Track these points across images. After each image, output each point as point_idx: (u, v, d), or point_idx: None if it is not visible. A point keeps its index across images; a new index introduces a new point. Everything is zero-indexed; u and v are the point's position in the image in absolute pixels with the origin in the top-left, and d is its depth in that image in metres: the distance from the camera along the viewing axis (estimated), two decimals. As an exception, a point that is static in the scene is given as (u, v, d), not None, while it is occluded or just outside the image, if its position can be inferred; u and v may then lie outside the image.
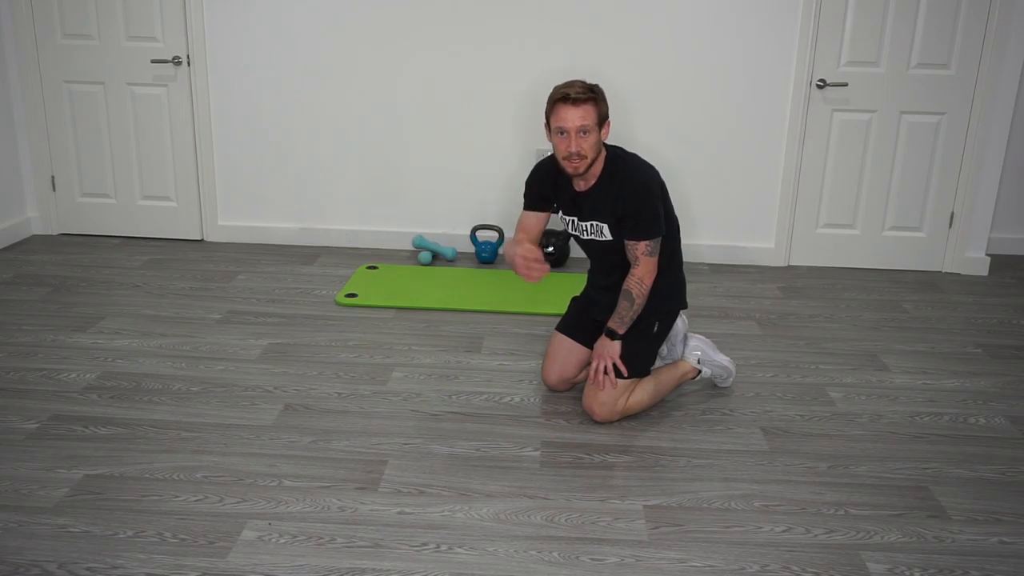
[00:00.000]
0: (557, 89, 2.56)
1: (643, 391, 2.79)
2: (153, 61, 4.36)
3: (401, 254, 4.53)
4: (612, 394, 2.72)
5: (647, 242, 2.61)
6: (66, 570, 2.00)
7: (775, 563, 2.11)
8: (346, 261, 4.39)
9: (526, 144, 4.42)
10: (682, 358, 2.96)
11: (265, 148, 4.50)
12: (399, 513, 2.26)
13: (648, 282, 2.64)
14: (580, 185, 2.69)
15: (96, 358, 3.15)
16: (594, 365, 2.71)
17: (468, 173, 4.48)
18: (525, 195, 2.82)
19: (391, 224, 4.60)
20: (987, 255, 4.54)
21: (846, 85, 4.22)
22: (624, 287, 2.67)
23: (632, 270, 2.65)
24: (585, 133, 2.53)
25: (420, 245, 4.47)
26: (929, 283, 4.30)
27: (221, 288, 3.92)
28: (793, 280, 4.29)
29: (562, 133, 2.54)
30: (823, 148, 4.34)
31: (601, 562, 2.10)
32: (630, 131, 4.36)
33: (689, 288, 4.11)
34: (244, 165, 4.53)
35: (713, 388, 3.05)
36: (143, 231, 4.66)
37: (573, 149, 2.53)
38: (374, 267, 4.27)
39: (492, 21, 4.26)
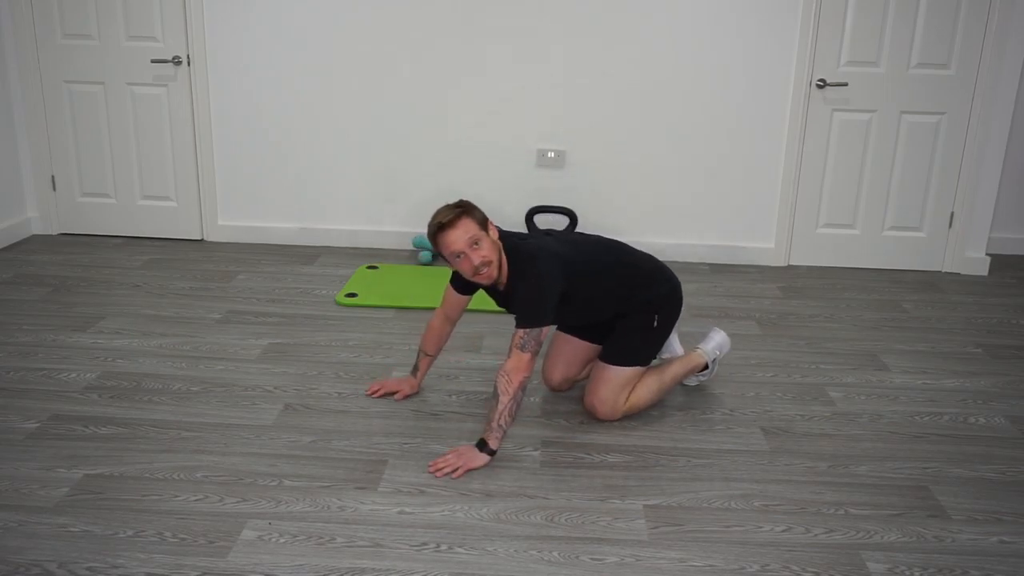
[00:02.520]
0: (431, 224, 2.53)
1: (647, 389, 2.79)
2: (153, 61, 4.36)
3: (401, 254, 4.53)
4: (613, 390, 2.72)
5: (522, 332, 2.46)
6: (66, 570, 2.00)
7: (775, 563, 2.11)
8: (346, 261, 4.39)
9: (526, 144, 4.42)
10: (698, 350, 2.95)
11: (265, 148, 4.50)
12: (399, 513, 2.26)
13: (516, 379, 2.44)
14: (500, 286, 2.65)
15: (96, 358, 3.15)
16: (445, 458, 2.49)
17: (468, 173, 4.48)
18: (452, 276, 2.76)
19: (391, 224, 4.60)
20: (987, 255, 4.54)
21: (846, 85, 4.22)
22: (495, 381, 2.49)
23: (505, 362, 2.48)
24: (477, 243, 2.50)
25: (420, 245, 4.47)
26: (929, 283, 4.30)
27: (221, 288, 3.92)
28: (793, 280, 4.29)
29: (458, 256, 2.52)
30: (823, 148, 4.34)
31: (601, 562, 2.10)
32: (631, 131, 4.37)
33: (689, 288, 4.11)
34: (244, 165, 4.53)
35: (713, 388, 3.05)
36: (143, 231, 4.66)
37: (476, 262, 2.50)
38: (374, 267, 4.27)
39: (492, 21, 4.26)
